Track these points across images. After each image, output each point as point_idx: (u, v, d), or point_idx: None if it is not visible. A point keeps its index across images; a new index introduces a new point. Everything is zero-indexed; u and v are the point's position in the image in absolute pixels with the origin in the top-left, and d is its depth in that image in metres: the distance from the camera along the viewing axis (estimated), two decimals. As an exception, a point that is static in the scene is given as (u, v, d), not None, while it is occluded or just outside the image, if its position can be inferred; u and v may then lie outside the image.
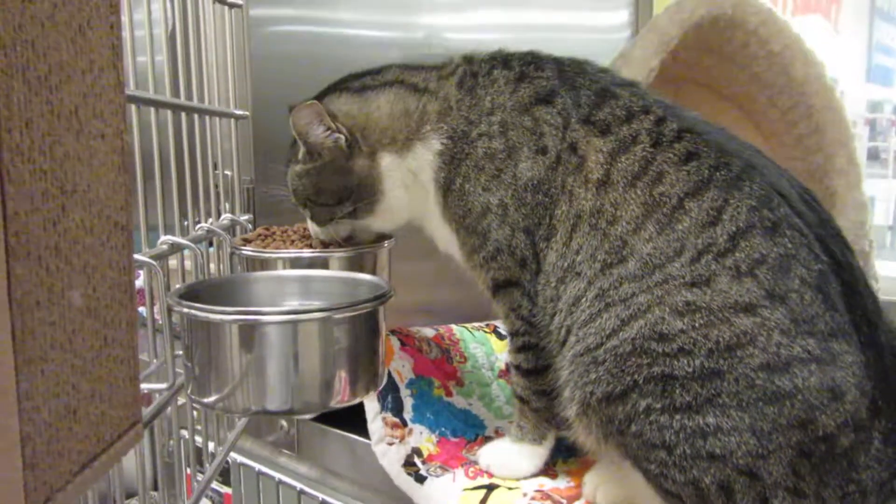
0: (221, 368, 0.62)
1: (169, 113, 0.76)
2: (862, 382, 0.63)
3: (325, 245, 0.86)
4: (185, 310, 0.61)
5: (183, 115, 0.81)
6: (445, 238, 0.85)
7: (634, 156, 0.73)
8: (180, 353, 0.67)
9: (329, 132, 0.82)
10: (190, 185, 0.82)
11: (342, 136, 0.82)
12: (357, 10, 1.17)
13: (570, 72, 0.81)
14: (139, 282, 0.92)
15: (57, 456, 0.38)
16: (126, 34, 0.67)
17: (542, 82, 0.80)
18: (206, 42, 0.91)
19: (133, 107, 0.67)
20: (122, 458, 0.48)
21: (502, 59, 0.83)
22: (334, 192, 0.84)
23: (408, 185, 0.85)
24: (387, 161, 0.84)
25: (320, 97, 0.86)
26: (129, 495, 0.77)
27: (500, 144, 0.78)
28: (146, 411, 0.64)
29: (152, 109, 0.71)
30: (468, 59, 0.85)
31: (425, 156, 0.82)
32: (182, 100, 0.80)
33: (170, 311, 0.64)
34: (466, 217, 0.80)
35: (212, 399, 0.63)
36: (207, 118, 0.89)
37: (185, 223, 0.83)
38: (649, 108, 0.76)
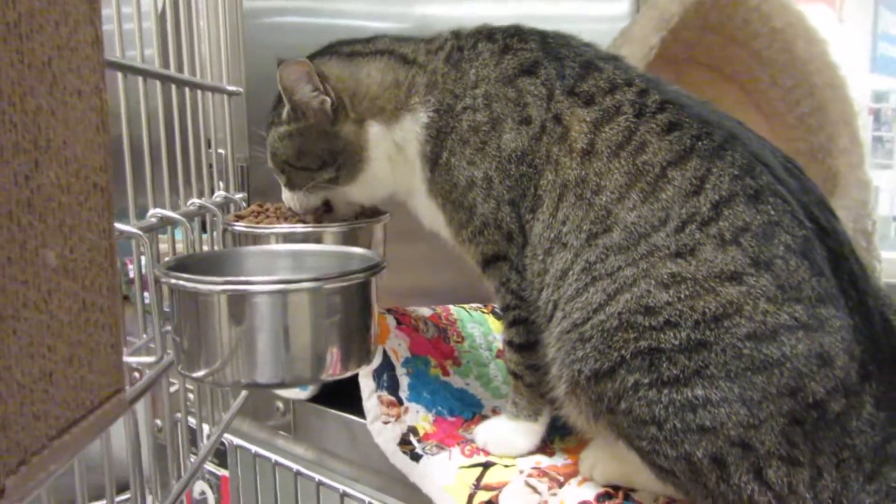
0: (210, 341, 0.61)
1: (158, 86, 0.75)
2: (851, 347, 0.63)
3: (318, 220, 0.85)
4: (173, 280, 0.60)
5: (174, 88, 0.80)
6: (432, 215, 0.84)
7: (618, 126, 0.72)
8: (169, 329, 0.66)
9: (317, 93, 0.80)
10: (181, 162, 0.81)
11: (328, 100, 0.81)
12: (349, 1, 1.16)
13: (554, 44, 0.80)
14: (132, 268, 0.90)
15: (32, 419, 0.37)
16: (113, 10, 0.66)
17: (526, 54, 0.79)
18: (198, 15, 0.89)
19: (120, 78, 0.66)
20: (106, 426, 0.47)
21: (487, 33, 0.83)
22: (318, 155, 0.82)
23: (392, 157, 0.83)
24: (375, 130, 0.82)
25: (309, 59, 0.84)
26: (122, 489, 0.75)
27: (484, 117, 0.78)
28: (134, 387, 0.63)
29: (140, 81, 0.70)
30: (456, 34, 0.85)
31: (412, 128, 0.81)
32: (172, 71, 0.78)
33: (158, 283, 0.63)
34: (452, 192, 0.79)
35: (201, 373, 0.62)
36: (199, 93, 0.88)
37: (178, 200, 0.82)
38: (632, 80, 0.75)
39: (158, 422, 1.00)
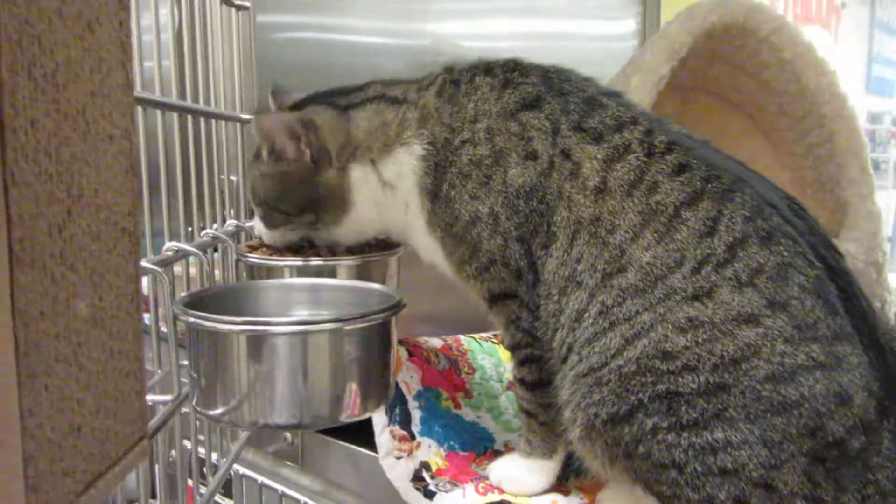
0: (228, 380, 0.60)
1: (175, 117, 0.75)
2: (868, 383, 0.63)
3: (332, 253, 0.84)
4: (192, 319, 0.59)
5: (189, 118, 0.79)
6: (431, 249, 0.82)
7: (629, 164, 0.72)
8: (186, 362, 0.65)
9: (295, 143, 0.80)
10: (195, 191, 0.80)
11: (308, 152, 0.80)
12: (365, 17, 1.16)
13: (556, 79, 0.79)
14: (143, 289, 0.89)
15: (60, 476, 0.36)
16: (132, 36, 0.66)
17: (528, 88, 0.78)
18: (213, 45, 0.89)
19: (139, 109, 0.65)
20: (126, 475, 0.46)
21: (484, 67, 0.81)
22: (297, 202, 0.82)
23: (378, 199, 0.82)
24: (357, 173, 0.81)
25: (304, 104, 0.85)
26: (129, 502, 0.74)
27: (485, 150, 0.76)
28: (150, 423, 0.62)
29: (158, 112, 0.69)
30: (448, 69, 0.84)
31: (408, 160, 0.80)
32: (189, 102, 0.78)
33: (176, 319, 0.62)
34: (454, 225, 0.78)
35: (218, 411, 0.61)
36: (213, 122, 0.87)
37: (190, 229, 0.81)
38: (637, 119, 0.75)
39: (174, 452, 0.99)
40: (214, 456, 0.87)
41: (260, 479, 1.04)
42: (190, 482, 0.90)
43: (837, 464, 0.61)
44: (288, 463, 1.06)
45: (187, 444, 0.89)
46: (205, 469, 0.86)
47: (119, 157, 0.43)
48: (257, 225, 0.87)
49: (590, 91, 0.78)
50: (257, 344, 0.59)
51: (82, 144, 0.38)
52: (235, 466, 1.06)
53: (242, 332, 0.59)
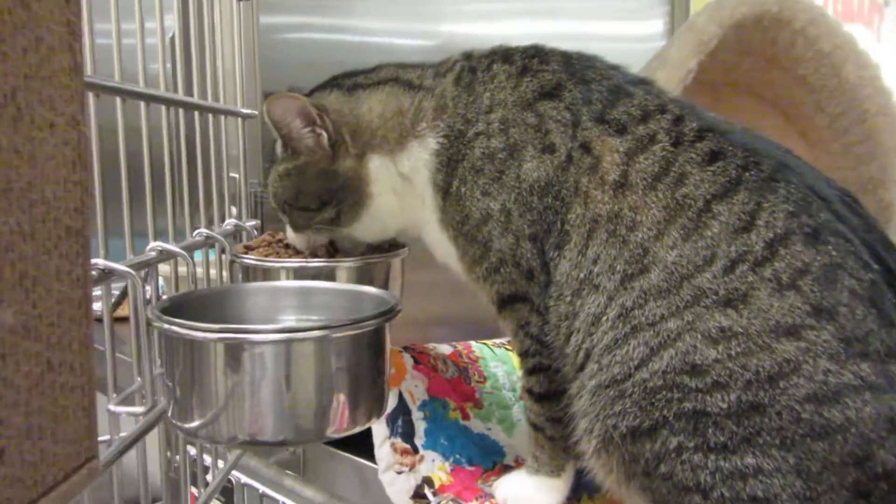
0: (205, 392, 0.56)
1: (172, 110, 0.71)
2: None
3: (331, 254, 0.80)
4: (165, 325, 0.55)
5: (183, 112, 0.76)
6: (444, 247, 0.77)
7: (654, 155, 0.66)
8: (162, 371, 0.60)
9: (310, 128, 0.75)
10: (188, 188, 0.76)
11: (325, 134, 0.75)
12: (375, 18, 1.13)
13: (579, 66, 0.74)
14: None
15: (-26, 507, 0.32)
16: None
17: (547, 76, 0.73)
18: (214, 38, 0.85)
19: (119, 102, 0.61)
20: (72, 498, 0.41)
21: (503, 54, 0.77)
22: (317, 194, 0.77)
23: (398, 190, 0.78)
24: (376, 164, 0.77)
25: (309, 94, 0.81)
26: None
27: (500, 143, 0.72)
28: (123, 435, 0.58)
29: (143, 106, 0.65)
30: (467, 56, 0.79)
31: (421, 155, 0.76)
32: (181, 95, 0.74)
33: (150, 325, 0.58)
34: (465, 224, 0.73)
35: (194, 425, 0.57)
36: (210, 117, 0.83)
37: (187, 227, 0.77)
38: (665, 106, 0.70)
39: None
40: (208, 460, 0.84)
41: (261, 488, 1.00)
42: (194, 490, 0.86)
43: (884, 498, 0.55)
44: (290, 473, 1.01)
45: (191, 450, 0.86)
46: (206, 476, 0.82)
47: (62, 148, 0.38)
48: (288, 231, 0.83)
49: (616, 79, 0.73)
50: (236, 353, 0.54)
51: (11, 133, 0.34)
52: (236, 475, 1.03)
53: (219, 339, 0.54)
